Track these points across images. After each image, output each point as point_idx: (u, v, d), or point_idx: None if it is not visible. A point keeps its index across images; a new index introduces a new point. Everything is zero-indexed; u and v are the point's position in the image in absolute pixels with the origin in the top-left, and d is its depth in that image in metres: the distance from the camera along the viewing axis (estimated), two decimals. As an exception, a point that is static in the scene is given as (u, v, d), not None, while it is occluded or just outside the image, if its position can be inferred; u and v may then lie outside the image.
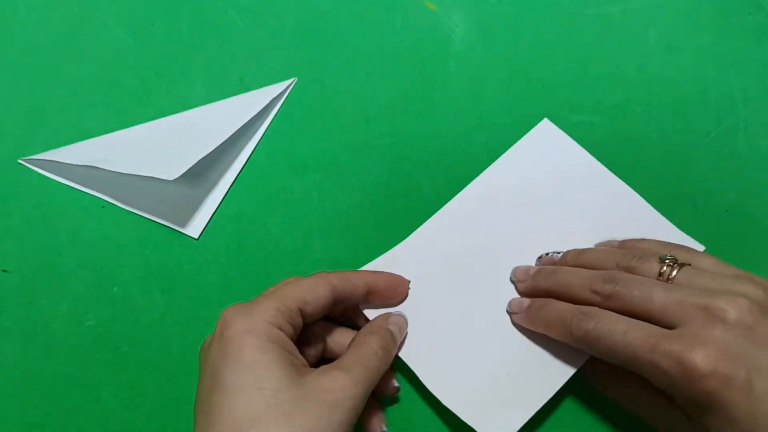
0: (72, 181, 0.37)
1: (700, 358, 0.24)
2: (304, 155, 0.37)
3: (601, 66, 0.38)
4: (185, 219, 0.36)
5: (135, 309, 0.36)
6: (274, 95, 0.38)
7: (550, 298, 0.31)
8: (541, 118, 0.37)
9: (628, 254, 0.30)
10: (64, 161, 0.36)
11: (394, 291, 0.33)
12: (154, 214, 0.37)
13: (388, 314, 0.32)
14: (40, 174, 0.37)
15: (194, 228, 0.36)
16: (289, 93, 0.38)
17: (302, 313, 0.29)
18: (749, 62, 0.38)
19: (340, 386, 0.26)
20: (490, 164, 0.37)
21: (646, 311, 0.27)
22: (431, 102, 0.38)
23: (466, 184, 0.36)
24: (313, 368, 0.28)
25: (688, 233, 0.36)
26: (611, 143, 0.37)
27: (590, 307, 0.29)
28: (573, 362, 0.31)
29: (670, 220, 0.35)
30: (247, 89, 0.38)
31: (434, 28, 0.39)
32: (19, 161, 0.37)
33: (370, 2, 0.39)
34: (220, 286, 0.36)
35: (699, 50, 0.38)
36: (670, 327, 0.26)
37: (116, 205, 0.37)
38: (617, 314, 0.28)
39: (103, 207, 0.37)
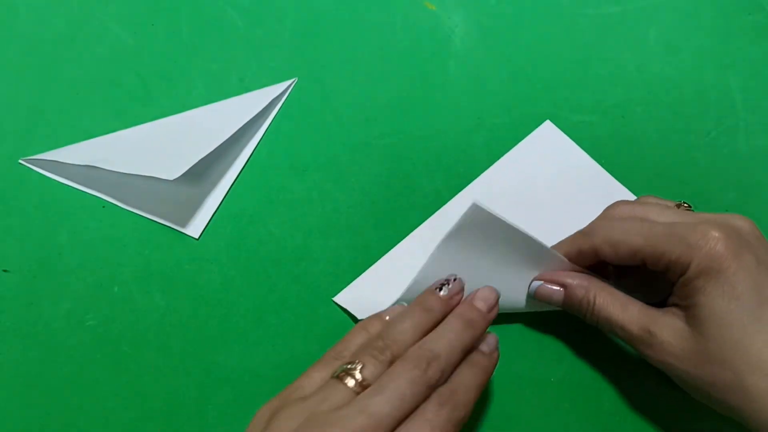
0: (72, 181, 0.37)
1: (714, 229, 0.26)
2: (304, 155, 0.37)
3: (601, 66, 0.38)
4: (186, 219, 0.36)
5: (135, 309, 0.36)
6: (274, 95, 0.38)
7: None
8: (541, 118, 0.37)
9: (643, 197, 0.32)
10: (64, 161, 0.36)
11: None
12: (154, 214, 0.37)
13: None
14: (40, 174, 0.37)
15: (195, 228, 0.36)
16: (289, 93, 0.38)
17: None
18: (749, 62, 0.38)
19: None
20: (490, 164, 0.37)
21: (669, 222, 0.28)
22: (431, 102, 0.38)
23: (466, 184, 0.37)
24: None
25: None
26: (611, 143, 0.37)
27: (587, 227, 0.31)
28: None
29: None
30: (247, 89, 0.38)
31: (434, 28, 0.39)
32: (20, 161, 0.37)
33: (370, 2, 0.39)
34: (220, 286, 0.36)
35: (699, 50, 0.38)
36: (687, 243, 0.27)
37: (116, 205, 0.37)
38: (638, 218, 0.29)
39: (103, 207, 0.37)
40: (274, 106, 0.38)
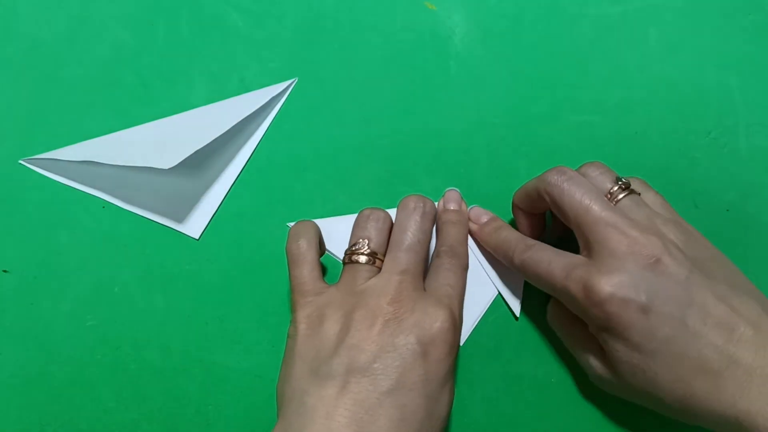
0: (72, 180, 0.37)
1: (602, 283, 0.27)
2: (304, 155, 0.37)
3: (601, 66, 0.38)
4: (184, 214, 0.36)
5: (135, 309, 0.36)
6: (274, 95, 0.38)
7: (505, 224, 0.34)
8: (542, 118, 0.37)
9: (588, 164, 0.32)
10: (64, 159, 0.36)
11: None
12: (154, 212, 0.37)
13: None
14: (40, 174, 0.37)
15: (195, 228, 0.36)
16: (290, 93, 0.38)
17: None
18: (749, 62, 0.38)
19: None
20: (490, 164, 0.37)
21: (578, 220, 0.29)
22: (431, 102, 0.38)
23: (467, 184, 0.37)
24: None
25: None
26: (611, 143, 0.37)
27: (532, 240, 0.32)
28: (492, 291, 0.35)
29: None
30: (247, 89, 0.38)
31: (434, 28, 0.39)
32: (20, 161, 0.37)
33: (370, 2, 0.39)
34: (220, 286, 0.36)
35: (699, 50, 0.38)
36: (590, 243, 0.28)
37: (116, 205, 0.37)
38: (550, 246, 0.31)
39: (103, 207, 0.37)
40: (274, 106, 0.38)
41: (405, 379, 0.27)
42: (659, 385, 0.27)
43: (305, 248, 0.31)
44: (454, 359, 0.29)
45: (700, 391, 0.26)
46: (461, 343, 0.35)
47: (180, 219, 0.36)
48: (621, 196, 0.30)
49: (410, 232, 0.31)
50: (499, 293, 0.35)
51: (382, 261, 0.31)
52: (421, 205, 0.32)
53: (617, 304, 0.27)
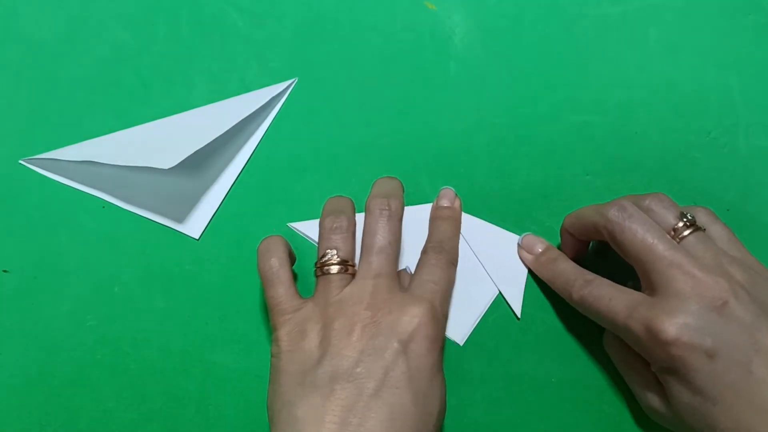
0: (72, 180, 0.37)
1: (667, 325, 0.26)
2: (304, 155, 0.37)
3: (601, 66, 0.38)
4: (184, 214, 0.36)
5: (136, 309, 0.36)
6: (274, 95, 0.38)
7: (561, 254, 0.34)
8: (542, 118, 0.37)
9: (652, 197, 0.31)
10: (64, 159, 0.36)
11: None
12: (154, 212, 0.37)
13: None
14: (40, 174, 0.37)
15: (195, 228, 0.36)
16: (290, 93, 0.38)
17: None
18: (749, 62, 0.38)
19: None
20: (490, 164, 0.37)
21: (640, 258, 0.28)
22: (431, 102, 0.38)
23: (467, 185, 0.37)
24: None
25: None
26: (611, 143, 0.37)
27: (592, 274, 0.31)
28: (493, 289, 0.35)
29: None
30: (247, 89, 0.38)
31: (434, 28, 0.39)
32: (20, 161, 0.37)
33: (370, 2, 0.39)
34: (220, 286, 0.36)
35: (699, 50, 0.38)
36: (653, 283, 0.28)
37: (116, 205, 0.37)
38: (610, 282, 0.30)
39: (103, 207, 0.37)
40: (274, 106, 0.38)
41: (389, 379, 0.27)
42: (719, 428, 0.26)
43: (277, 267, 0.31)
44: (438, 353, 0.29)
45: None
46: (461, 344, 0.35)
47: (180, 219, 0.36)
48: (686, 233, 0.29)
49: (379, 235, 0.31)
50: (500, 293, 0.35)
51: (354, 267, 0.31)
52: (386, 207, 0.32)
53: (682, 348, 0.26)
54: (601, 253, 0.36)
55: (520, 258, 0.35)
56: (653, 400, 0.30)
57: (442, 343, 0.29)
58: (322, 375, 0.27)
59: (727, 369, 0.26)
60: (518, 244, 0.35)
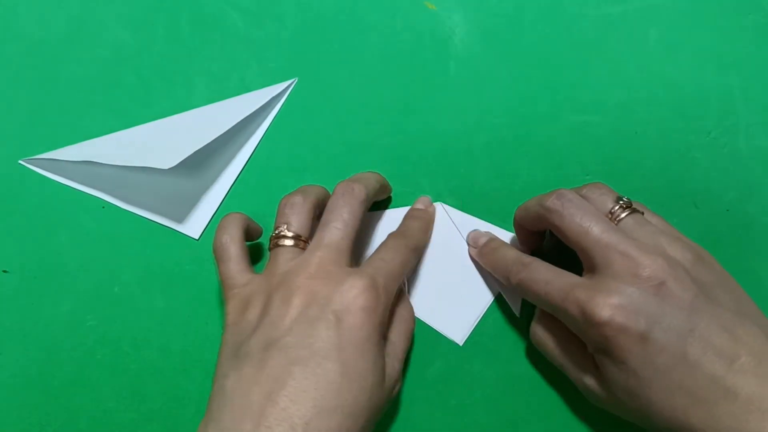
0: (72, 180, 0.37)
1: (601, 306, 0.26)
2: (304, 155, 0.37)
3: (601, 66, 0.38)
4: (184, 214, 0.36)
5: (135, 309, 0.36)
6: (274, 95, 0.38)
7: (503, 243, 0.34)
8: (542, 118, 0.37)
9: (589, 186, 0.31)
10: (64, 159, 0.36)
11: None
12: (153, 211, 0.37)
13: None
14: (40, 174, 0.37)
15: (195, 228, 0.36)
16: (289, 93, 0.38)
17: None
18: (749, 62, 0.38)
19: (399, 379, 0.31)
20: (490, 164, 0.37)
21: (580, 242, 0.29)
22: (431, 102, 0.38)
23: (467, 185, 0.37)
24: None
25: (688, 233, 0.36)
26: (611, 143, 0.37)
27: (530, 257, 0.31)
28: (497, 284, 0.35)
29: (671, 220, 0.35)
30: (247, 89, 0.38)
31: (434, 28, 0.39)
32: (20, 161, 0.37)
33: (370, 2, 0.39)
34: (220, 286, 0.36)
35: (699, 50, 0.38)
36: (593, 266, 0.28)
37: (116, 205, 0.37)
38: (548, 265, 0.30)
39: (103, 207, 0.37)
40: (274, 106, 0.38)
41: (317, 348, 0.26)
42: (654, 412, 0.26)
43: (228, 243, 0.31)
44: (374, 327, 0.28)
45: (696, 421, 0.25)
46: (461, 344, 0.35)
47: (180, 219, 0.36)
48: (623, 215, 0.29)
49: (336, 212, 0.30)
50: (500, 293, 0.35)
51: (307, 243, 0.31)
52: (350, 189, 0.31)
53: (616, 329, 0.26)
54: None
55: (469, 254, 0.36)
56: (590, 383, 0.30)
57: (381, 319, 0.28)
58: (255, 344, 0.27)
59: (661, 351, 0.26)
60: (466, 242, 0.36)
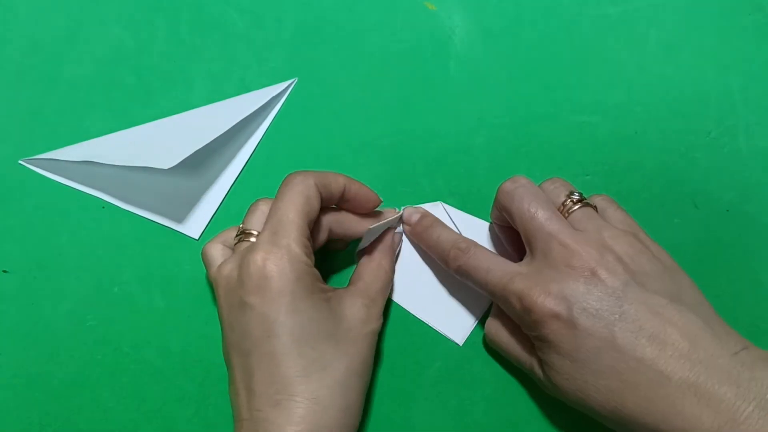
0: (72, 180, 0.37)
1: (536, 295, 0.27)
2: (304, 155, 0.37)
3: (601, 66, 0.38)
4: (184, 214, 0.36)
5: (135, 309, 0.36)
6: (274, 95, 0.38)
7: (437, 220, 0.34)
8: (542, 118, 0.37)
9: (547, 180, 0.32)
10: (64, 159, 0.36)
11: (367, 200, 0.33)
12: (153, 211, 0.37)
13: (393, 232, 0.35)
14: (40, 174, 0.37)
15: (195, 228, 0.36)
16: (289, 93, 0.38)
17: (309, 225, 0.29)
18: (749, 62, 0.38)
19: (373, 318, 0.30)
20: (490, 164, 0.37)
21: (524, 226, 0.29)
22: (431, 102, 0.38)
23: (466, 185, 0.37)
24: (332, 291, 0.30)
25: (688, 233, 0.36)
26: (611, 143, 0.37)
27: (468, 241, 0.32)
28: None
29: (670, 220, 0.36)
30: (247, 89, 0.38)
31: (434, 28, 0.39)
32: (20, 161, 0.37)
33: (370, 2, 0.39)
34: (220, 286, 0.36)
35: (699, 50, 0.38)
36: (534, 252, 0.29)
37: (116, 205, 0.37)
38: (487, 251, 0.31)
39: (103, 207, 0.37)
40: (274, 106, 0.38)
41: (256, 336, 0.27)
42: (590, 395, 0.27)
43: (209, 248, 0.32)
44: (287, 284, 0.27)
45: (631, 404, 0.26)
46: (461, 344, 0.35)
47: (180, 219, 0.36)
48: (575, 208, 0.30)
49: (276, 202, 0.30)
50: None
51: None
52: (291, 176, 0.30)
53: (548, 315, 0.27)
54: None
55: (403, 231, 0.35)
56: (537, 371, 0.30)
57: (290, 278, 0.27)
58: (224, 351, 0.29)
59: (589, 335, 0.26)
60: (400, 219, 0.35)
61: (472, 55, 0.38)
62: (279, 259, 0.27)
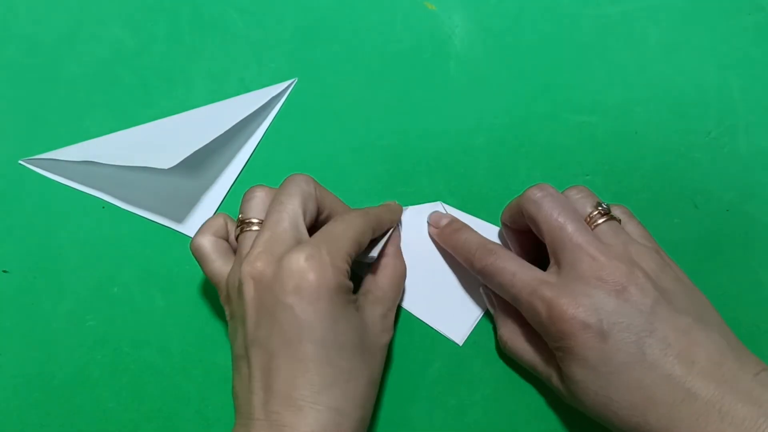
0: (72, 180, 0.37)
1: (566, 305, 0.27)
2: (304, 155, 0.37)
3: (601, 66, 0.38)
4: (184, 214, 0.36)
5: (135, 309, 0.36)
6: (274, 95, 0.38)
7: (465, 225, 0.34)
8: (542, 118, 0.37)
9: (572, 188, 0.32)
10: (64, 159, 0.36)
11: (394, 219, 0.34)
12: (153, 211, 0.37)
13: (399, 232, 0.35)
14: (40, 174, 0.37)
15: (195, 228, 0.36)
16: (289, 93, 0.38)
17: (360, 247, 0.30)
18: (749, 62, 0.38)
19: (388, 328, 0.31)
20: (490, 164, 0.37)
21: (552, 236, 0.29)
22: (431, 102, 0.38)
23: (467, 185, 0.37)
24: (356, 299, 0.30)
25: (688, 233, 0.36)
26: (611, 143, 0.37)
27: (495, 244, 0.32)
28: None
29: (670, 220, 0.36)
30: (247, 89, 0.38)
31: (434, 28, 0.39)
32: (20, 161, 0.37)
33: (370, 2, 0.39)
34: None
35: (699, 50, 0.38)
36: (560, 262, 0.29)
37: (116, 205, 0.37)
38: (514, 255, 0.31)
39: (103, 207, 0.37)
40: (274, 106, 0.38)
41: (289, 336, 0.27)
42: (613, 411, 0.27)
43: (199, 243, 0.32)
44: (327, 300, 0.27)
45: (654, 421, 0.26)
46: (461, 344, 0.35)
47: (180, 219, 0.36)
48: (600, 221, 0.30)
49: (276, 197, 0.30)
50: None
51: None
52: (292, 177, 0.30)
53: (578, 326, 0.27)
54: None
55: (429, 234, 0.36)
56: (555, 380, 0.30)
57: (334, 282, 0.27)
58: (240, 345, 0.28)
59: (619, 349, 0.26)
60: (427, 222, 0.36)
61: (472, 55, 0.38)
62: (322, 264, 0.27)
